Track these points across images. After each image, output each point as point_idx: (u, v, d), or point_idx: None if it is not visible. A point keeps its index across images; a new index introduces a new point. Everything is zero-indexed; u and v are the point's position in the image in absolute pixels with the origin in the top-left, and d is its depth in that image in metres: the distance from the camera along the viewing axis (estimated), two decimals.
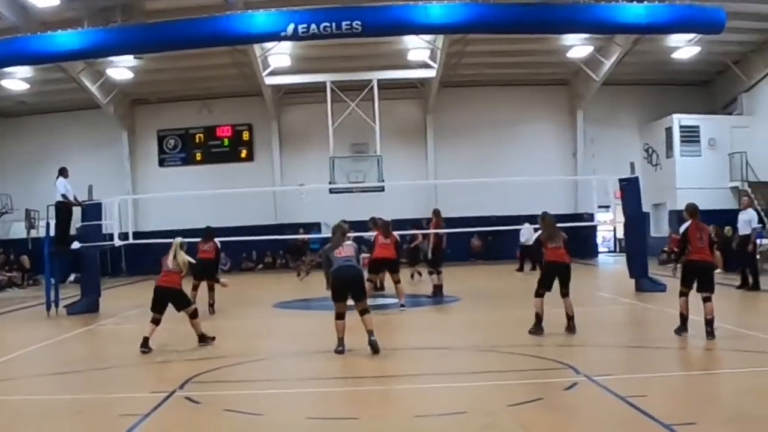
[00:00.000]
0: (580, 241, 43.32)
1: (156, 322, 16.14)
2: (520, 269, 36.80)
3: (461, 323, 20.16)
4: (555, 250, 16.68)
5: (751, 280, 25.02)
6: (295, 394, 11.83)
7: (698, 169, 43.13)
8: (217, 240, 23.04)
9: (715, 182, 42.14)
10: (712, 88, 47.86)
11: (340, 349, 14.48)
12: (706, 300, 15.15)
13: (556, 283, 16.54)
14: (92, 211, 25.02)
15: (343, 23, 29.93)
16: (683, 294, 15.58)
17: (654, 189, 44.98)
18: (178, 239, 17.11)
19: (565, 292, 16.55)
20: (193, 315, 16.51)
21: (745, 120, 44.01)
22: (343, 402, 11.42)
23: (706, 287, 15.28)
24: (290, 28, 30.00)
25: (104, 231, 25.78)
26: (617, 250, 48.01)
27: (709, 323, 14.99)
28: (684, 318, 15.56)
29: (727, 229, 30.75)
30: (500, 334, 16.41)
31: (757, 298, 23.59)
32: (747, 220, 25.32)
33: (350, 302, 14.98)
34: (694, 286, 15.50)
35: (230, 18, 31.11)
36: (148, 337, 15.83)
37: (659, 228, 45.28)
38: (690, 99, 47.01)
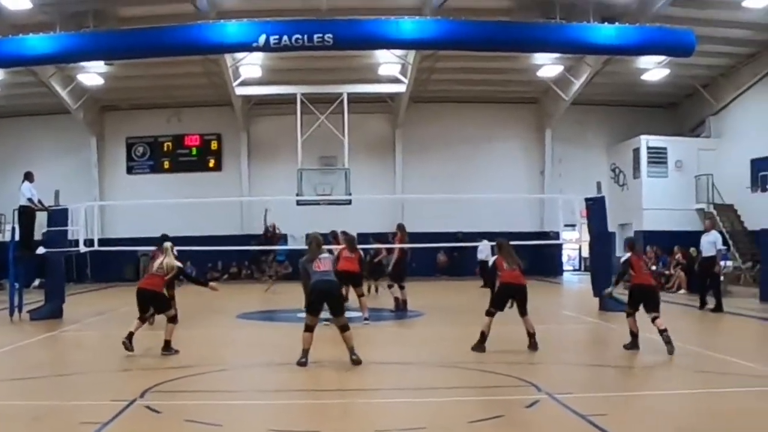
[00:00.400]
0: (546, 259, 43.67)
1: (142, 320, 16.47)
2: (485, 285, 36.76)
3: (424, 338, 20.05)
4: (510, 272, 16.92)
5: (714, 301, 25.29)
6: (257, 406, 11.76)
7: (665, 190, 43.42)
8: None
9: (681, 204, 42.44)
10: (680, 110, 48.21)
11: (303, 361, 14.38)
12: (655, 319, 16.00)
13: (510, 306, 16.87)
14: (58, 216, 24.80)
15: (315, 36, 29.94)
16: (630, 315, 16.48)
17: (620, 209, 45.16)
18: (168, 243, 17.19)
19: (523, 312, 16.80)
20: (172, 320, 16.47)
21: (712, 143, 44.35)
22: (305, 414, 11.39)
23: (653, 308, 16.14)
24: (262, 39, 30.04)
25: (70, 237, 25.56)
26: (582, 268, 48.19)
27: (664, 336, 15.69)
28: (634, 335, 16.42)
29: (692, 250, 31.03)
30: (463, 350, 16.33)
31: (721, 320, 23.73)
32: (711, 242, 25.72)
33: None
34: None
35: (202, 27, 31.08)
36: (134, 332, 16.07)
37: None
38: (658, 121, 47.35)
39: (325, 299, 14.90)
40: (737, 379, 13.22)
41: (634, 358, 15.50)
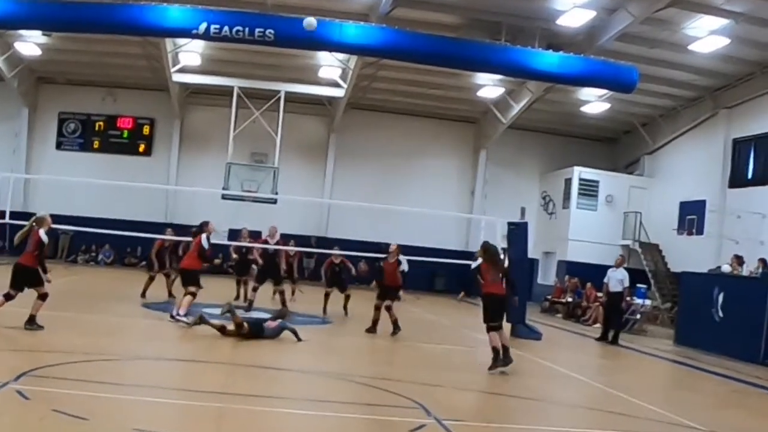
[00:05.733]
0: (471, 279, 43.46)
1: (7, 297, 16.18)
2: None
3: (324, 347, 19.87)
4: (494, 284, 16.81)
5: (611, 334, 26.20)
6: (130, 402, 11.18)
7: (592, 223, 43.60)
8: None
9: (607, 238, 42.56)
10: (617, 146, 48.54)
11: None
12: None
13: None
14: None
15: (257, 30, 29.63)
16: (492, 329, 16.66)
17: (546, 237, 45.48)
18: (37, 215, 17.07)
19: (497, 324, 16.76)
20: (42, 297, 16.39)
21: (644, 181, 44.67)
22: (177, 415, 10.85)
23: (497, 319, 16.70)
24: (203, 26, 29.64)
25: None
26: None
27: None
28: (496, 351, 16.57)
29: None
30: (361, 363, 16.11)
31: (618, 353, 24.57)
32: (619, 279, 26.34)
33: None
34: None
35: (144, 8, 30.50)
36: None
37: (546, 276, 45.47)
38: (594, 154, 47.58)
39: None
40: (636, 422, 12.98)
41: (533, 389, 15.26)
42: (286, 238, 29.83)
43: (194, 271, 20.41)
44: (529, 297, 46.59)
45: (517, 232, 25.89)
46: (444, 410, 12.06)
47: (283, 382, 14.15)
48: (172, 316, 19.92)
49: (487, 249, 17.40)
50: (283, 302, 24.69)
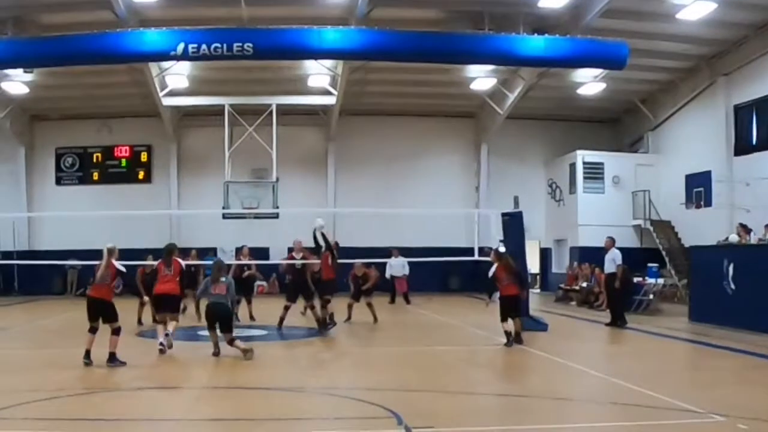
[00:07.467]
0: (482, 276, 42.98)
1: (93, 330, 16.25)
2: (392, 301, 36.57)
3: (320, 359, 19.63)
4: (510, 285, 20.78)
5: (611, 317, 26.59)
6: None
7: (601, 206, 42.91)
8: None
9: (618, 220, 41.74)
10: (619, 125, 47.87)
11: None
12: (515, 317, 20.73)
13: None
14: None
15: (234, 45, 29.13)
16: (504, 320, 20.61)
17: (557, 225, 45.07)
18: (109, 245, 17.14)
19: (513, 315, 20.68)
20: (116, 332, 16.48)
21: (650, 158, 44.05)
22: None
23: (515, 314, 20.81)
24: (180, 47, 29.15)
25: None
26: None
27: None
28: (509, 333, 20.45)
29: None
30: (345, 374, 15.71)
31: (626, 337, 24.25)
32: (611, 259, 26.65)
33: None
34: None
35: (120, 35, 30.21)
36: (89, 348, 15.94)
37: (560, 264, 44.95)
38: (597, 136, 46.97)
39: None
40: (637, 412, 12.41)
41: (528, 388, 14.83)
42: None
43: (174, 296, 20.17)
44: (544, 286, 46.62)
45: (512, 223, 25.36)
46: (418, 417, 11.64)
47: (255, 400, 13.66)
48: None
49: (500, 255, 21.32)
50: (319, 320, 24.25)
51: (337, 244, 25.60)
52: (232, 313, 18.69)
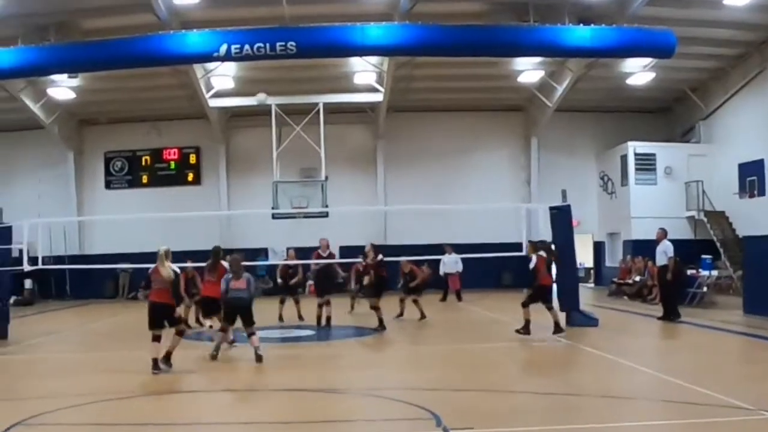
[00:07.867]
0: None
1: (157, 339, 16.25)
2: (444, 299, 36.59)
3: (361, 360, 19.41)
4: (548, 276, 22.28)
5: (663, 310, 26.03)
6: None
7: (654, 197, 42.29)
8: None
9: (671, 211, 41.09)
10: (670, 115, 47.11)
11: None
12: (549, 309, 21.90)
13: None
14: (1, 234, 23.95)
15: (278, 44, 29.06)
16: (525, 305, 21.70)
17: (609, 218, 44.59)
18: (163, 247, 17.00)
19: (548, 307, 21.92)
20: (180, 333, 16.67)
21: (702, 148, 43.27)
22: None
23: (547, 300, 22.04)
24: (223, 48, 29.17)
25: (28, 254, 24.57)
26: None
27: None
28: (528, 321, 21.43)
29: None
30: (389, 374, 15.51)
31: (678, 331, 23.66)
32: (662, 251, 25.88)
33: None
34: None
35: (163, 37, 30.27)
36: (157, 358, 15.96)
37: (614, 257, 44.41)
38: (648, 126, 46.25)
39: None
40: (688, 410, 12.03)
41: (575, 386, 14.50)
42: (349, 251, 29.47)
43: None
44: (598, 281, 46.10)
45: (560, 216, 24.96)
46: (458, 418, 11.42)
47: (291, 402, 13.51)
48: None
49: (535, 245, 22.45)
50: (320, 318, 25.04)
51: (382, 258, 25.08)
52: (251, 306, 18.36)
